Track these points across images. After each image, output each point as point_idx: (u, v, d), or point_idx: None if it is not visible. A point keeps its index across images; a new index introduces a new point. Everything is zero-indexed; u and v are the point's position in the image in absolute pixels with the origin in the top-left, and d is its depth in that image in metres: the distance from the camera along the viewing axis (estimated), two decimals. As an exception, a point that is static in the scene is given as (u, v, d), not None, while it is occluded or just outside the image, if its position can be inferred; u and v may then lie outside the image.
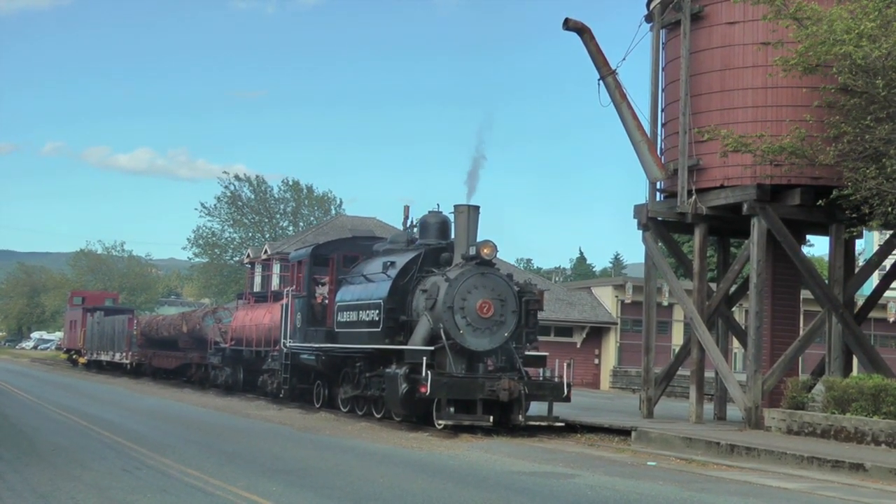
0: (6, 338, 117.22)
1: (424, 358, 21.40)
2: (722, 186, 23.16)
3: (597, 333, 51.47)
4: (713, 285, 26.25)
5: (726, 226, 25.19)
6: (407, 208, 27.76)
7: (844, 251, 23.92)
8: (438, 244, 24.45)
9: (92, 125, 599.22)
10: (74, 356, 61.01)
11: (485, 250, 22.52)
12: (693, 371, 24.42)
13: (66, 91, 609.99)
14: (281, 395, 29.68)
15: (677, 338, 49.34)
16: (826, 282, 23.81)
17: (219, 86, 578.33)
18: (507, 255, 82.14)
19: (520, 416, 21.70)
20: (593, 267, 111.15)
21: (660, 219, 25.29)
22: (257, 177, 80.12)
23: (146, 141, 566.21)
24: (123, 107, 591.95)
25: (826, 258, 48.56)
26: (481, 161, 23.61)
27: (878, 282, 28.03)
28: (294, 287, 28.71)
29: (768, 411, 21.95)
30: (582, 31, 23.50)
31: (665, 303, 49.06)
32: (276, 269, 49.69)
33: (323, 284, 28.15)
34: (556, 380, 22.68)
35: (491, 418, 21.39)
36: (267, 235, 74.99)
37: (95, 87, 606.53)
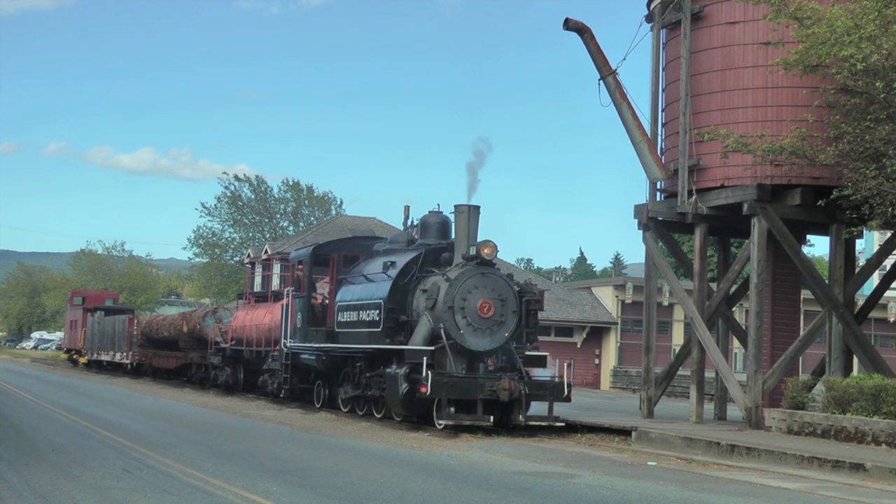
0: (6, 338, 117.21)
1: (425, 358, 21.39)
2: (722, 186, 23.16)
3: (597, 333, 51.48)
4: (713, 285, 26.26)
5: (727, 226, 25.19)
6: (407, 208, 27.76)
7: (845, 251, 23.92)
8: (439, 244, 24.44)
9: (95, 125, 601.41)
10: (75, 356, 60.98)
11: (485, 250, 22.51)
12: (693, 371, 24.42)
13: (69, 91, 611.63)
14: (281, 395, 29.66)
15: (678, 338, 49.37)
16: (826, 282, 23.81)
17: (222, 86, 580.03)
18: (508, 255, 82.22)
19: (520, 416, 21.69)
20: (594, 267, 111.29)
21: (660, 219, 25.29)
22: (257, 177, 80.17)
23: (149, 141, 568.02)
24: (126, 107, 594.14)
25: (826, 258, 48.64)
26: (480, 167, 23.69)
27: (878, 282, 28.03)
28: (294, 287, 28.70)
29: (769, 411, 21.94)
30: (582, 31, 23.49)
31: (665, 303, 49.07)
32: (276, 269, 49.67)
33: (324, 283, 28.15)
34: (557, 380, 22.68)
35: (491, 418, 21.38)
36: (267, 235, 74.95)
37: (99, 88, 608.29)
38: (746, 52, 22.74)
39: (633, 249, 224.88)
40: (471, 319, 22.13)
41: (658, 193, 25.27)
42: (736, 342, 34.42)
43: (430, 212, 25.34)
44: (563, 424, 22.08)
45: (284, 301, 29.37)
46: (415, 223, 26.24)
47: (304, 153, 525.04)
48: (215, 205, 76.69)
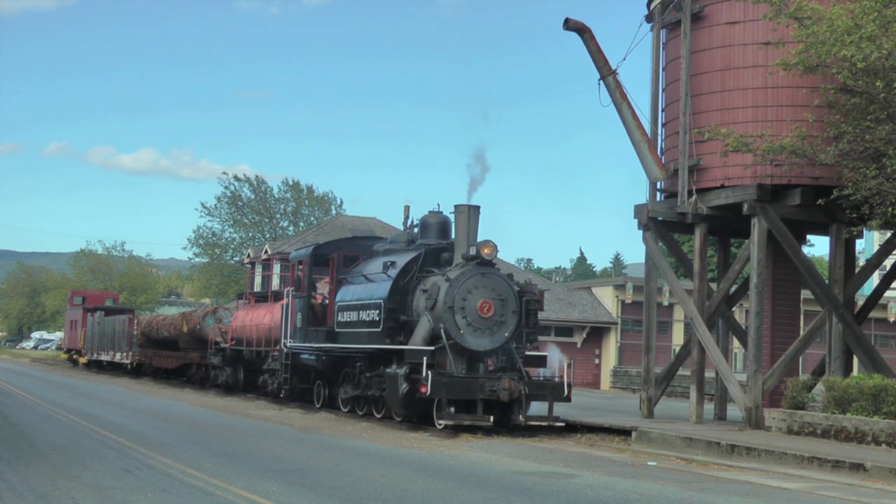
0: (7, 338, 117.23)
1: (425, 358, 21.38)
2: (722, 186, 23.16)
3: (597, 333, 51.48)
4: (713, 285, 26.26)
5: (726, 226, 25.19)
6: (407, 208, 27.76)
7: (845, 251, 23.92)
8: (439, 244, 24.43)
9: (95, 125, 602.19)
10: (75, 356, 60.97)
11: (485, 250, 22.51)
12: (693, 371, 24.42)
13: (69, 91, 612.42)
14: (281, 395, 29.67)
15: (678, 338, 49.36)
16: (826, 282, 23.80)
17: (222, 86, 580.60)
18: (508, 255, 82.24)
19: (520, 416, 21.69)
20: (594, 267, 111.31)
21: (660, 219, 25.29)
22: (257, 177, 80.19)
23: (150, 141, 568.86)
24: (127, 107, 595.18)
25: (826, 258, 48.63)
26: (482, 175, 23.73)
27: (878, 282, 28.03)
28: (294, 287, 28.69)
29: (769, 411, 21.94)
30: (582, 30, 23.49)
31: (665, 303, 49.07)
32: (276, 269, 49.69)
33: (324, 283, 28.15)
34: (557, 380, 22.67)
35: (491, 418, 21.38)
36: (267, 235, 74.96)
37: (99, 88, 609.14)
38: (746, 52, 22.74)
39: (633, 249, 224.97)
40: (471, 319, 22.13)
41: (658, 193, 25.27)
42: (736, 342, 34.41)
43: (430, 212, 25.34)
44: (563, 424, 22.07)
45: (284, 301, 29.37)
46: (415, 223, 26.22)
47: (304, 153, 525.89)
48: (215, 205, 76.75)
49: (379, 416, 23.85)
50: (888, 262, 27.14)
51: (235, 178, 77.42)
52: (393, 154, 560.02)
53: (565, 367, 22.61)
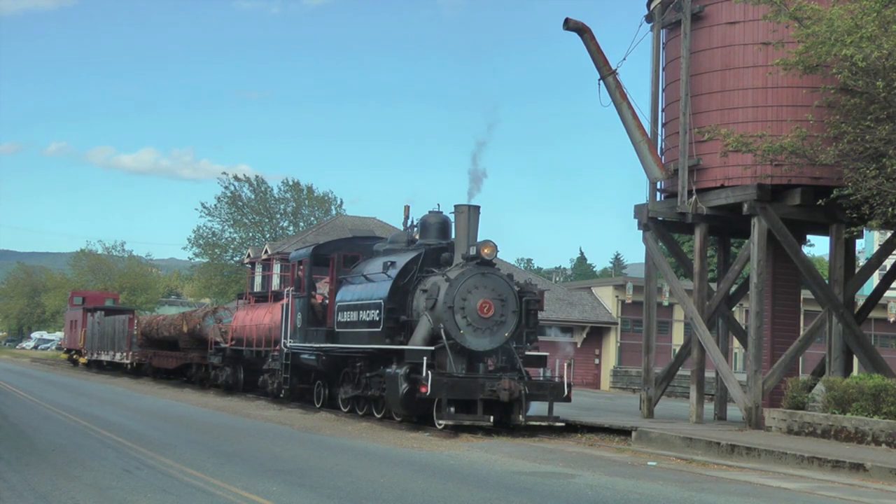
0: (7, 338, 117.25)
1: (425, 358, 21.39)
2: (722, 186, 23.16)
3: (597, 333, 51.47)
4: (713, 285, 26.26)
5: (726, 226, 25.19)
6: (407, 208, 27.74)
7: (845, 251, 23.92)
8: (439, 244, 24.44)
9: (95, 125, 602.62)
10: (75, 356, 60.98)
11: (485, 250, 22.51)
12: (693, 371, 24.42)
13: (70, 91, 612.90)
14: (281, 395, 29.66)
15: (678, 338, 49.37)
16: (826, 282, 23.81)
17: (223, 86, 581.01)
18: (508, 255, 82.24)
19: (520, 416, 21.69)
20: (594, 267, 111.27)
21: (660, 219, 25.29)
22: (257, 177, 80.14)
23: (150, 141, 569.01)
24: (128, 107, 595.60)
25: (826, 258, 48.64)
26: (481, 175, 23.74)
27: (878, 282, 28.03)
28: (294, 287, 28.69)
29: (769, 411, 21.95)
30: (582, 31, 23.50)
31: (665, 303, 49.08)
32: (276, 269, 49.68)
33: (324, 283, 28.15)
34: (557, 380, 22.68)
35: (491, 418, 21.38)
36: (267, 235, 74.94)
37: (100, 88, 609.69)
38: (746, 52, 22.74)
39: (633, 249, 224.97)
40: (471, 319, 22.13)
41: (658, 193, 25.27)
42: (736, 342, 34.41)
43: (430, 212, 25.34)
44: (563, 424, 22.07)
45: (284, 301, 29.37)
46: (415, 223, 26.22)
47: (304, 153, 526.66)
48: (215, 205, 76.71)
49: (379, 416, 23.85)
50: (888, 262, 27.14)
51: (235, 178, 77.44)
52: (393, 154, 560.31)
53: (565, 367, 22.62)
